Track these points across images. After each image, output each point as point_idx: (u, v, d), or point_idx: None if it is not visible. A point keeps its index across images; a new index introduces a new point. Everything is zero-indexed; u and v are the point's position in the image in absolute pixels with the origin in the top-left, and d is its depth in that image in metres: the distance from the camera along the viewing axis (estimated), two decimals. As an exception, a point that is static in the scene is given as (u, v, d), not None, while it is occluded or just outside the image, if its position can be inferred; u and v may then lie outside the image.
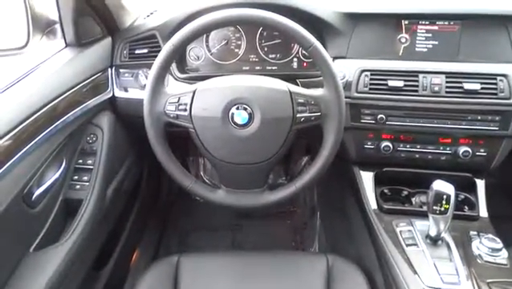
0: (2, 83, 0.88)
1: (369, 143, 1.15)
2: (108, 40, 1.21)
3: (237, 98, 0.89)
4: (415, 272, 0.89)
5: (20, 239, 0.90)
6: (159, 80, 0.91)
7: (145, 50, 1.19)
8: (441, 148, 1.12)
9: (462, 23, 1.12)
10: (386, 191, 1.17)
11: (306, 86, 1.06)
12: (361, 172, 1.19)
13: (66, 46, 1.11)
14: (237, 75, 0.96)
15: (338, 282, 1.00)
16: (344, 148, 1.16)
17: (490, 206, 1.10)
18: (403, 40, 1.15)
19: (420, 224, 1.02)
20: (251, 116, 0.90)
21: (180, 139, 1.03)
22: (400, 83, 1.08)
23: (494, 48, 1.12)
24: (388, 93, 1.09)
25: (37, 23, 1.06)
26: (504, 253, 0.93)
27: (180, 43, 0.89)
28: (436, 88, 1.07)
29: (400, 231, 1.01)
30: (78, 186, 1.07)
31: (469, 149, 1.09)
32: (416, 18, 1.14)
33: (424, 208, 1.10)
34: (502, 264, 0.91)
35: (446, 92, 1.07)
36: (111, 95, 1.20)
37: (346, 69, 1.11)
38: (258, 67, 1.22)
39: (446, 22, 1.13)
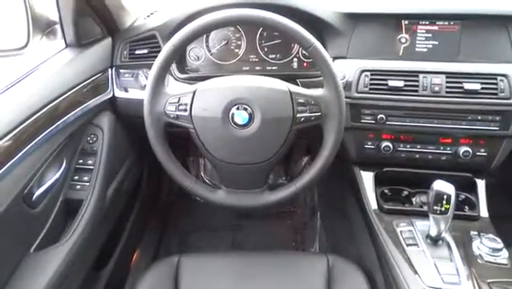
0: (2, 84, 0.88)
1: (369, 143, 1.15)
2: (108, 40, 1.21)
3: (238, 98, 0.89)
4: (415, 272, 0.89)
5: (20, 239, 0.90)
6: (159, 80, 0.92)
7: (145, 51, 1.19)
8: (442, 148, 1.12)
9: (462, 23, 1.12)
10: (386, 191, 1.17)
11: (306, 86, 1.06)
12: (361, 172, 1.19)
13: (66, 47, 1.11)
14: (237, 76, 0.96)
15: (338, 282, 1.00)
16: (344, 148, 1.16)
17: (491, 206, 1.10)
18: (403, 40, 1.15)
19: (420, 224, 1.02)
20: (251, 116, 0.90)
21: (181, 139, 1.03)
22: (401, 83, 1.08)
23: (494, 48, 1.12)
24: (388, 93, 1.09)
25: (37, 24, 1.06)
26: (504, 253, 0.93)
27: (180, 44, 0.89)
28: (437, 88, 1.07)
29: (401, 231, 1.01)
30: (78, 186, 1.07)
31: (469, 149, 1.09)
32: (416, 18, 1.13)
33: (425, 208, 1.10)
34: (503, 264, 0.90)
35: (446, 92, 1.07)
36: (111, 95, 1.20)
37: (346, 69, 1.11)
38: (258, 68, 1.22)
39: (446, 22, 1.13)
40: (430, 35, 1.14)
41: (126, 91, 1.21)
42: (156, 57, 0.91)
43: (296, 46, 1.21)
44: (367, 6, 1.16)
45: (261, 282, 1.02)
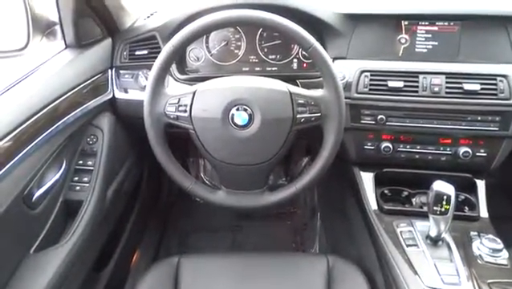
0: (2, 85, 0.88)
1: (369, 143, 1.15)
2: (108, 41, 1.21)
3: (237, 99, 0.89)
4: (415, 273, 0.89)
5: (20, 240, 0.90)
6: (159, 81, 0.92)
7: (145, 52, 1.19)
8: (441, 148, 1.12)
9: (462, 24, 1.12)
10: (386, 192, 1.17)
11: (306, 87, 1.06)
12: (361, 172, 1.19)
13: (66, 48, 1.11)
14: (237, 76, 0.96)
15: (338, 282, 1.00)
16: (344, 148, 1.16)
17: (491, 207, 1.10)
18: (403, 41, 1.15)
19: (420, 224, 1.02)
20: (251, 117, 0.90)
21: (181, 140, 1.03)
22: (400, 84, 1.08)
23: (494, 49, 1.12)
24: (388, 94, 1.09)
25: (37, 24, 1.06)
26: (504, 253, 0.93)
27: (180, 44, 0.89)
28: (436, 89, 1.07)
29: (401, 232, 1.01)
30: (78, 187, 1.07)
31: (469, 150, 1.09)
32: (415, 18, 1.14)
33: (425, 208, 1.10)
34: (503, 265, 0.90)
35: (446, 93, 1.07)
36: (111, 96, 1.20)
37: (346, 70, 1.11)
38: (257, 68, 1.22)
39: (446, 23, 1.13)
40: (430, 36, 1.14)
41: (126, 91, 1.21)
42: (156, 58, 0.91)
43: (296, 47, 1.21)
44: (367, 6, 1.16)
45: (261, 283, 1.02)
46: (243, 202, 0.99)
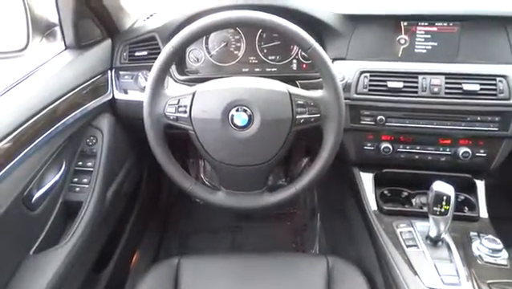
0: (2, 86, 0.88)
1: (369, 144, 1.15)
2: (108, 42, 1.21)
3: (237, 100, 0.89)
4: (415, 273, 0.89)
5: (20, 242, 0.90)
6: (158, 82, 0.92)
7: (145, 53, 1.19)
8: (441, 149, 1.12)
9: (461, 24, 1.12)
10: (386, 192, 1.17)
11: (305, 87, 1.06)
12: (361, 173, 1.19)
13: (65, 49, 1.11)
14: (236, 77, 0.96)
15: (338, 283, 1.00)
16: (344, 149, 1.16)
17: (490, 207, 1.10)
18: (402, 41, 1.15)
19: (420, 225, 1.02)
20: (251, 118, 0.90)
21: (180, 141, 1.03)
22: (400, 85, 1.08)
23: (493, 49, 1.12)
24: (388, 94, 1.09)
25: (36, 25, 1.06)
26: (504, 254, 0.93)
27: (180, 45, 0.89)
28: (436, 89, 1.07)
29: (401, 232, 1.01)
30: (78, 188, 1.07)
31: (468, 150, 1.09)
32: (415, 19, 1.14)
33: (425, 209, 1.10)
34: (503, 265, 0.90)
35: (446, 93, 1.07)
36: (110, 97, 1.20)
37: (345, 70, 1.11)
38: (257, 69, 1.22)
39: (445, 24, 1.13)
40: (429, 36, 1.14)
41: (126, 92, 1.21)
42: (155, 59, 0.91)
43: (295, 48, 1.21)
44: (367, 7, 1.16)
45: (261, 284, 1.02)
46: (243, 203, 0.98)
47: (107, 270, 1.32)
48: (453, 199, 0.88)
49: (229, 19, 0.88)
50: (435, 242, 0.95)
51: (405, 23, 1.14)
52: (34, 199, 0.91)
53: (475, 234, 1.00)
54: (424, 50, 1.15)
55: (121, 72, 1.21)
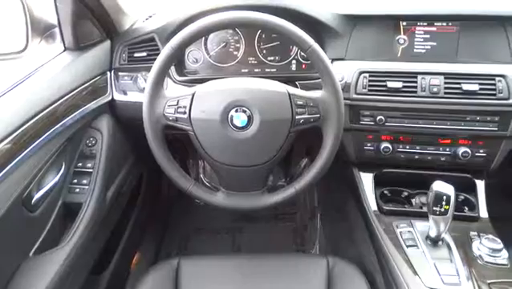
0: (2, 87, 0.88)
1: (368, 144, 1.15)
2: (107, 43, 1.21)
3: (236, 100, 0.89)
4: (415, 273, 0.89)
5: (20, 243, 0.90)
6: (158, 83, 0.91)
7: (144, 54, 1.19)
8: (441, 148, 1.12)
9: (461, 24, 1.12)
10: (386, 192, 1.17)
11: (305, 88, 1.06)
12: (361, 173, 1.19)
13: (65, 50, 1.11)
14: (235, 78, 0.96)
15: (338, 283, 1.00)
16: (344, 149, 1.16)
17: (490, 207, 1.10)
18: (401, 41, 1.15)
19: (420, 225, 1.02)
20: (250, 119, 0.90)
21: (180, 141, 1.03)
22: (399, 85, 1.08)
23: (493, 49, 1.12)
24: (387, 94, 1.09)
25: (36, 27, 1.06)
26: (504, 253, 0.93)
27: (179, 46, 0.89)
28: (435, 89, 1.07)
29: (401, 232, 1.01)
30: (77, 190, 1.06)
31: (468, 150, 1.09)
32: (414, 19, 1.14)
33: (425, 209, 1.10)
34: (503, 264, 0.90)
35: (445, 93, 1.07)
36: (110, 98, 1.20)
37: (344, 71, 1.11)
38: (256, 70, 1.22)
39: (444, 23, 1.13)
40: (428, 36, 1.14)
41: (125, 94, 1.20)
42: (154, 60, 0.91)
43: (295, 48, 1.21)
44: (366, 7, 1.16)
45: (261, 285, 1.02)
46: (243, 203, 0.98)
47: (107, 271, 1.32)
48: (453, 199, 0.88)
49: (228, 20, 0.88)
50: (435, 241, 0.95)
51: (404, 23, 1.14)
52: (33, 200, 0.91)
53: (475, 233, 1.00)
54: (424, 50, 1.15)
55: (120, 73, 1.21)
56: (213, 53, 1.22)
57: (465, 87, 1.06)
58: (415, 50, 1.15)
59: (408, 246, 0.96)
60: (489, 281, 0.86)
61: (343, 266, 1.04)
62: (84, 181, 1.07)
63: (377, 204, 1.12)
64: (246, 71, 1.22)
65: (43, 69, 1.00)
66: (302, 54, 1.21)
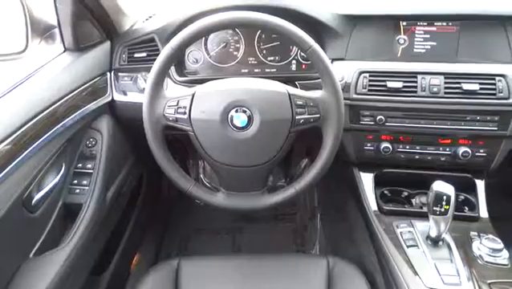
0: (1, 88, 0.88)
1: (369, 144, 1.15)
2: (107, 44, 1.21)
3: (236, 100, 0.89)
4: (416, 273, 0.89)
5: (20, 244, 0.90)
6: (158, 84, 0.91)
7: (144, 54, 1.19)
8: (441, 148, 1.12)
9: (461, 24, 1.12)
10: (386, 192, 1.17)
11: (305, 88, 1.06)
12: (361, 173, 1.19)
13: (64, 51, 1.11)
14: (235, 78, 0.96)
15: (339, 283, 1.00)
16: (344, 149, 1.16)
17: (490, 207, 1.10)
18: (401, 41, 1.15)
19: (420, 225, 1.02)
20: (250, 119, 0.89)
21: (180, 142, 1.03)
22: (399, 84, 1.08)
23: (493, 49, 1.12)
24: (387, 94, 1.09)
25: (36, 28, 1.06)
26: (505, 253, 0.93)
27: (179, 46, 0.89)
28: (435, 89, 1.07)
29: (401, 232, 1.01)
30: (77, 190, 1.06)
31: (468, 150, 1.09)
32: (414, 19, 1.14)
33: (425, 209, 1.10)
34: (503, 264, 0.90)
35: (445, 93, 1.07)
36: (110, 99, 1.19)
37: (344, 71, 1.11)
38: (256, 70, 1.22)
39: (444, 23, 1.13)
40: (428, 36, 1.14)
41: (125, 94, 1.21)
42: (154, 60, 0.91)
43: (295, 49, 1.21)
44: (366, 7, 1.16)
45: (261, 285, 1.02)
46: (243, 204, 0.98)
47: (107, 272, 1.32)
48: (453, 199, 0.88)
49: (228, 20, 0.88)
50: (435, 242, 0.95)
51: (404, 23, 1.14)
52: (33, 201, 0.91)
53: (475, 233, 1.00)
54: (424, 50, 1.15)
55: (120, 74, 1.21)
56: (213, 53, 1.22)
57: (465, 86, 1.06)
58: (415, 50, 1.15)
59: (408, 246, 0.96)
60: (489, 281, 0.86)
61: (343, 266, 1.04)
62: (84, 182, 1.07)
63: (377, 204, 1.12)
64: (246, 71, 1.22)
65: (43, 70, 1.00)
66: (302, 54, 1.21)
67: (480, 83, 1.06)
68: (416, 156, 1.14)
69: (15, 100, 0.87)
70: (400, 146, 1.14)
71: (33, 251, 0.92)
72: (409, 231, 1.01)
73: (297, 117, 0.90)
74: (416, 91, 1.08)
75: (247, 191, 0.98)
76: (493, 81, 1.06)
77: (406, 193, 1.17)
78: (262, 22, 0.88)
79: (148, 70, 0.94)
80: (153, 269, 1.04)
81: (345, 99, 0.96)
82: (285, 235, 1.86)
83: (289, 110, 0.90)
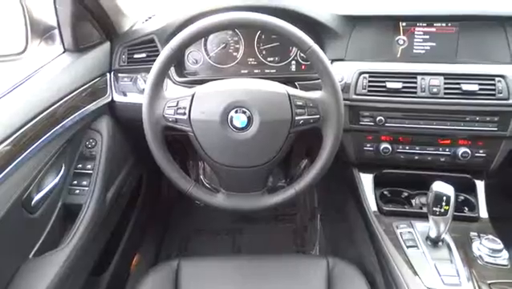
0: (1, 89, 0.88)
1: (368, 145, 1.15)
2: (107, 45, 1.21)
3: (236, 101, 0.89)
4: (415, 274, 0.89)
5: (19, 245, 0.90)
6: (157, 84, 0.91)
7: (144, 55, 1.19)
8: (440, 149, 1.12)
9: (460, 25, 1.12)
10: (386, 193, 1.17)
11: (304, 88, 1.06)
12: (361, 174, 1.19)
13: (64, 52, 1.11)
14: (235, 79, 0.96)
15: (339, 284, 1.00)
16: (344, 150, 1.16)
17: (490, 207, 1.10)
18: (401, 42, 1.15)
19: (420, 225, 1.02)
20: (250, 120, 0.89)
21: (180, 143, 1.03)
22: (399, 85, 1.08)
23: (492, 49, 1.12)
24: (387, 95, 1.09)
25: (35, 29, 1.06)
26: (504, 254, 0.93)
27: (179, 47, 0.89)
28: (435, 90, 1.07)
29: (401, 233, 1.01)
30: (77, 191, 1.06)
31: (468, 150, 1.09)
32: (413, 19, 1.14)
33: (424, 209, 1.10)
34: (503, 265, 0.90)
35: (445, 94, 1.07)
36: (109, 99, 1.20)
37: (344, 71, 1.11)
38: (256, 70, 1.22)
39: (444, 24, 1.13)
40: (428, 37, 1.14)
41: (125, 95, 1.21)
42: (154, 61, 0.91)
43: (294, 49, 1.22)
44: (365, 8, 1.17)
45: (261, 286, 1.02)
46: (242, 204, 0.98)
47: (107, 272, 1.32)
48: (453, 199, 0.88)
49: (227, 21, 0.88)
50: (435, 242, 0.95)
51: (404, 24, 1.14)
52: (33, 202, 0.91)
53: (475, 234, 1.00)
54: (423, 51, 1.15)
55: (120, 75, 1.21)
56: (213, 54, 1.22)
57: (465, 87, 1.06)
58: (414, 51, 1.15)
59: (408, 247, 0.96)
60: (489, 281, 0.86)
61: (343, 266, 1.04)
62: (84, 183, 1.07)
63: (377, 204, 1.12)
64: (246, 71, 1.22)
65: (43, 71, 1.00)
66: (302, 55, 1.21)
67: (479, 84, 1.06)
68: (416, 157, 1.14)
69: (15, 101, 0.87)
70: (400, 147, 1.14)
71: (32, 252, 0.92)
72: (409, 232, 1.01)
73: (296, 118, 0.90)
74: (415, 92, 1.08)
75: (247, 192, 0.98)
76: (492, 82, 1.06)
77: (406, 194, 1.17)
78: (261, 23, 0.88)
79: (148, 70, 0.94)
80: (153, 270, 1.04)
81: (345, 99, 0.96)
82: (285, 236, 1.86)
83: (288, 111, 0.90)
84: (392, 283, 0.92)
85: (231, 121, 0.90)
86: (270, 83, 0.93)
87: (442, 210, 0.89)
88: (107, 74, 1.20)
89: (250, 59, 1.22)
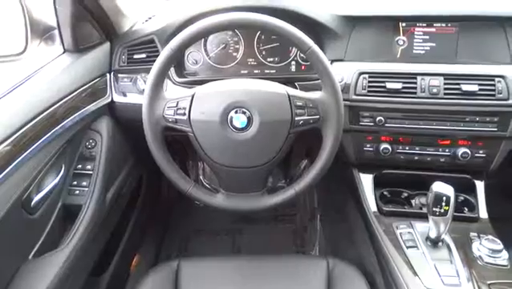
0: (1, 90, 0.88)
1: (368, 145, 1.15)
2: (107, 45, 1.21)
3: (236, 102, 0.89)
4: (415, 274, 0.89)
5: (19, 246, 0.90)
6: (157, 85, 0.91)
7: (144, 55, 1.19)
8: (440, 149, 1.12)
9: (460, 25, 1.12)
10: (386, 193, 1.17)
11: (304, 89, 1.06)
12: (361, 174, 1.19)
13: (64, 52, 1.11)
14: (235, 79, 0.96)
15: (338, 284, 1.00)
16: (343, 150, 1.16)
17: (490, 207, 1.10)
18: (400, 42, 1.15)
19: (420, 226, 1.02)
20: (250, 120, 0.89)
21: (180, 143, 1.03)
22: (399, 85, 1.08)
23: (492, 49, 1.12)
24: (387, 95, 1.09)
25: (35, 29, 1.06)
26: (504, 254, 0.93)
27: (179, 47, 0.89)
28: (435, 90, 1.07)
29: (400, 233, 1.01)
30: (77, 192, 1.06)
31: (468, 151, 1.09)
32: (413, 20, 1.14)
33: (424, 210, 1.10)
34: (503, 265, 0.90)
35: (444, 94, 1.07)
36: (109, 100, 1.19)
37: (344, 72, 1.11)
38: (256, 71, 1.23)
39: (444, 24, 1.13)
40: (427, 37, 1.14)
41: (124, 95, 1.21)
42: (154, 61, 0.91)
43: (294, 50, 1.22)
44: (365, 8, 1.17)
45: (261, 286, 1.02)
46: (242, 205, 0.98)
47: (106, 273, 1.32)
48: (453, 200, 0.88)
49: (227, 21, 0.88)
50: (435, 242, 0.95)
51: (403, 24, 1.15)
52: (33, 203, 0.91)
53: (475, 234, 1.00)
54: (423, 51, 1.15)
55: (120, 75, 1.21)
56: (213, 54, 1.22)
57: (465, 87, 1.06)
58: (414, 51, 1.15)
59: (408, 247, 0.96)
60: (489, 282, 0.86)
61: (343, 267, 1.04)
62: (84, 183, 1.07)
63: (377, 205, 1.12)
64: (246, 72, 1.22)
65: (43, 71, 1.00)
66: (302, 55, 1.21)
67: (479, 84, 1.06)
68: (416, 157, 1.14)
69: (15, 101, 0.87)
70: (400, 147, 1.14)
71: (32, 253, 0.92)
72: (409, 232, 1.01)
73: (296, 118, 0.90)
74: (415, 92, 1.08)
75: (247, 192, 0.98)
76: (492, 82, 1.06)
77: (406, 194, 1.17)
78: (261, 23, 0.88)
79: (148, 71, 0.94)
80: (153, 270, 1.04)
81: (344, 100, 0.96)
82: (285, 236, 1.86)
83: (288, 111, 0.90)
84: (392, 284, 0.92)
85: (231, 121, 0.90)
86: (269, 84, 0.93)
87: (442, 211, 0.89)
88: (107, 74, 1.20)
89: (250, 60, 1.22)
